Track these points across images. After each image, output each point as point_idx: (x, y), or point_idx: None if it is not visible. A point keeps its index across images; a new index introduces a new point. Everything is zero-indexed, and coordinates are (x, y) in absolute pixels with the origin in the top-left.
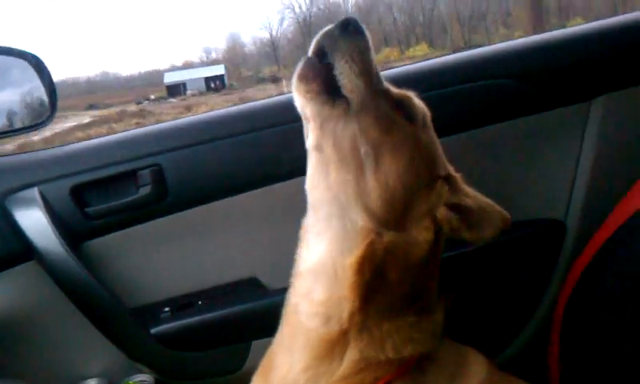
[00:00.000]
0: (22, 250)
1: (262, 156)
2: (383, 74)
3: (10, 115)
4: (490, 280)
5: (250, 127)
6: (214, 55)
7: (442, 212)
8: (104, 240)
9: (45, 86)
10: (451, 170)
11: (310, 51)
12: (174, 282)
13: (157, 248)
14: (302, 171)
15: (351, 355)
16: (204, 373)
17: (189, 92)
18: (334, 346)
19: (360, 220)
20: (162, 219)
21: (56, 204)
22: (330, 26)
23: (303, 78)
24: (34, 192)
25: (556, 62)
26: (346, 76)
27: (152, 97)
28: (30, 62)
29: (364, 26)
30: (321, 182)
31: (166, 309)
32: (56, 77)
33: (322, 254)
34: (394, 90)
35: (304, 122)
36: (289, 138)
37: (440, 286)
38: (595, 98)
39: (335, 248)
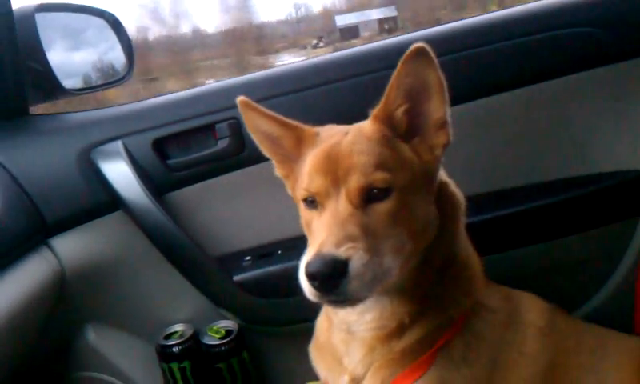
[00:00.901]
0: (108, 200)
1: (334, 108)
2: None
3: (89, 72)
4: (576, 230)
5: (321, 80)
6: None
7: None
8: (186, 191)
9: (122, 44)
10: None
11: None
12: (255, 232)
13: (236, 199)
14: None
15: (413, 335)
16: (284, 319)
17: (364, 34)
18: (392, 336)
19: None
20: (240, 171)
21: (139, 156)
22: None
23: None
24: (119, 145)
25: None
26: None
27: (320, 44)
28: (107, 21)
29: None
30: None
31: (248, 258)
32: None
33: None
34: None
35: None
36: (361, 90)
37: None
38: None
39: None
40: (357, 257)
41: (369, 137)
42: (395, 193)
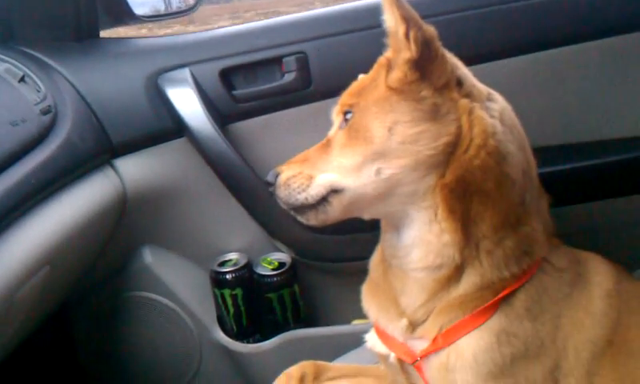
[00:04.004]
0: (173, 126)
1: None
2: None
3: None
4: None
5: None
6: None
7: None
8: (249, 123)
9: None
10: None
11: None
12: None
13: (299, 134)
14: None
15: (471, 279)
16: (337, 256)
17: None
18: (450, 280)
19: (420, 190)
20: (305, 106)
21: (206, 85)
22: None
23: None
24: (186, 72)
25: None
26: (308, 198)
27: None
28: None
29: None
30: (390, 211)
31: None
32: None
33: (416, 233)
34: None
35: None
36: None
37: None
38: None
39: (424, 222)
40: (287, 171)
41: None
42: (355, 114)
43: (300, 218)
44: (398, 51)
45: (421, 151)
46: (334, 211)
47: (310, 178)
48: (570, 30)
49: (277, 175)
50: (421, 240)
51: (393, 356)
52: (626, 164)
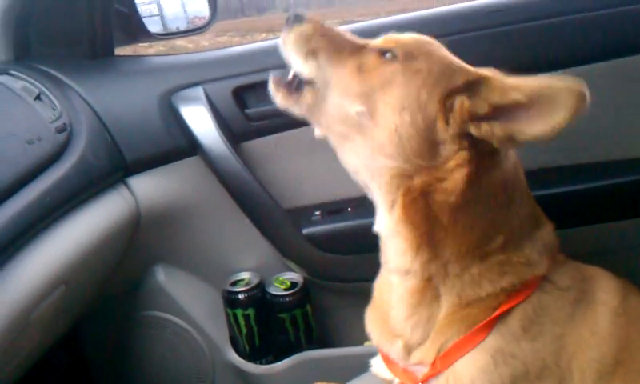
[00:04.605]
0: (186, 144)
1: None
2: None
3: (171, 19)
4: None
5: None
6: None
7: (474, 127)
8: (262, 141)
9: None
10: (481, 71)
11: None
12: (326, 188)
13: (311, 154)
14: None
15: (449, 299)
16: (349, 276)
17: None
18: (425, 295)
19: (385, 174)
20: None
21: (219, 103)
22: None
23: (273, 91)
24: (199, 91)
25: None
26: (298, 66)
27: None
28: None
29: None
30: (346, 161)
31: (317, 212)
32: None
33: (381, 221)
34: (373, 41)
35: None
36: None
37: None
38: None
39: (384, 208)
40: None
41: None
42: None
43: (271, 89)
44: (474, 125)
45: (406, 148)
46: (304, 99)
47: (314, 53)
48: (572, 52)
49: (301, 19)
50: (389, 232)
51: (397, 382)
52: (615, 188)
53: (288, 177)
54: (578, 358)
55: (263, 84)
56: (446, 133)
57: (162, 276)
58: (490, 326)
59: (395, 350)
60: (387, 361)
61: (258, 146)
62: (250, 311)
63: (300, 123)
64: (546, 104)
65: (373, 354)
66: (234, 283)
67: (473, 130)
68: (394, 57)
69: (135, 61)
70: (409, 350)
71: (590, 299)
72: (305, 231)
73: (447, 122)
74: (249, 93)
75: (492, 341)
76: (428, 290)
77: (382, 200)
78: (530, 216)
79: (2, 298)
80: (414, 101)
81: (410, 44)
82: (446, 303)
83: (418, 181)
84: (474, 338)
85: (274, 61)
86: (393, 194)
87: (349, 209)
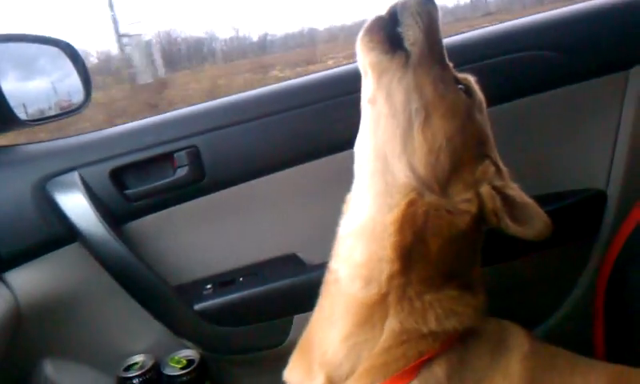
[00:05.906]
0: (65, 232)
1: (296, 134)
2: None
3: (43, 102)
4: (532, 250)
5: (281, 107)
6: None
7: (486, 189)
8: (144, 221)
9: (79, 73)
10: (500, 163)
11: (385, 13)
12: (215, 260)
13: (196, 228)
14: (336, 148)
15: (392, 325)
16: (247, 347)
17: None
18: (374, 312)
19: (403, 176)
20: (200, 199)
21: (96, 187)
22: None
23: (368, 30)
24: (75, 176)
25: (592, 32)
26: (410, 28)
27: None
28: (63, 50)
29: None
30: (370, 137)
31: (208, 286)
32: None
33: (364, 213)
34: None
35: (363, 77)
36: (321, 115)
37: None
38: (634, 67)
39: (377, 205)
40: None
41: None
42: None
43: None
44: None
45: (435, 168)
46: (399, 58)
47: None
48: (513, 86)
49: None
50: (366, 233)
51: None
52: None
53: (175, 253)
54: None
55: (141, 163)
56: (470, 177)
57: (51, 369)
58: (415, 371)
59: None
60: None
61: (141, 225)
62: None
63: (182, 198)
64: (528, 216)
65: None
66: (128, 368)
67: (483, 190)
68: (465, 92)
69: (5, 151)
70: None
71: (505, 346)
72: (197, 307)
73: (473, 173)
74: (127, 173)
75: None
76: (379, 306)
77: (376, 198)
78: (479, 274)
79: None
80: (465, 137)
81: (482, 98)
82: (388, 329)
83: (428, 199)
84: (398, 383)
85: (151, 139)
86: (396, 197)
87: (240, 279)
